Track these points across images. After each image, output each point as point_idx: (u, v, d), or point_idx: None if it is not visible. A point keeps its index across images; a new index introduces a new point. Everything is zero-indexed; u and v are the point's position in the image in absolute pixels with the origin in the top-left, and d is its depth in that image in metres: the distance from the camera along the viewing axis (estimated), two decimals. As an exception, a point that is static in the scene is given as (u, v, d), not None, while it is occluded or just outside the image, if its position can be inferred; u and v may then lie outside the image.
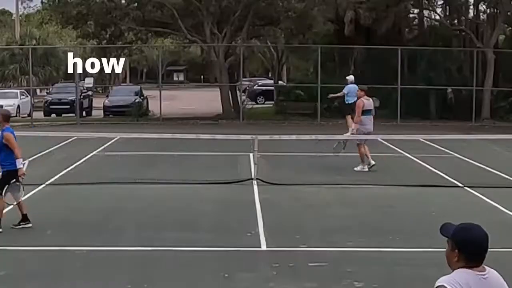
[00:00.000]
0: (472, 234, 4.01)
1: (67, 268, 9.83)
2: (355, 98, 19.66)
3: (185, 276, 9.49)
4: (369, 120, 17.96)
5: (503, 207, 13.93)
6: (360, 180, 16.67)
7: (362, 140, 18.10)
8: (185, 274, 9.58)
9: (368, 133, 18.13)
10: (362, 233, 11.82)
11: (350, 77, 24.00)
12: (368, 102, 17.98)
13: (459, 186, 16.21)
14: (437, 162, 19.59)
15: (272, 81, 51.20)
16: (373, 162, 18.06)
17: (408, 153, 21.29)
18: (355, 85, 22.10)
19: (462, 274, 3.96)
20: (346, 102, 23.18)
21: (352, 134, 18.73)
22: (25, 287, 9.10)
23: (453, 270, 4.04)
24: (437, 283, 3.97)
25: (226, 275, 9.47)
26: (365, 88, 18.45)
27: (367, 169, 17.92)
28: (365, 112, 17.80)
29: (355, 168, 18.04)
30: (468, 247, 3.97)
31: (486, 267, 4.07)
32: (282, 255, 10.51)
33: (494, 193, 15.20)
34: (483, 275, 4.00)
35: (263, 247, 10.96)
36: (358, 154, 18.05)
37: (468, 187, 15.97)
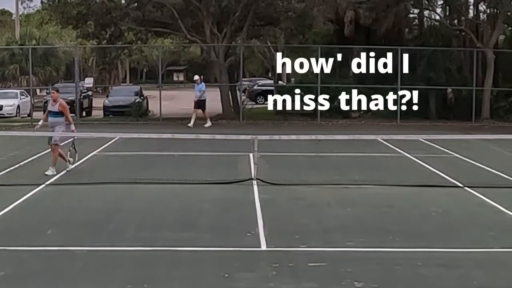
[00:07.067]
0: None
1: (67, 268, 9.82)
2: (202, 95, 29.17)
3: (185, 276, 9.49)
4: None
5: (503, 207, 13.92)
6: (360, 180, 16.67)
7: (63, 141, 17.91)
8: (185, 274, 9.58)
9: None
10: (362, 233, 11.81)
11: (196, 77, 30.02)
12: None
13: (459, 186, 16.20)
14: (437, 162, 19.58)
15: (272, 81, 51.19)
16: (71, 166, 17.82)
17: (408, 153, 21.29)
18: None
19: None
20: (203, 99, 30.12)
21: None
22: (25, 287, 9.10)
23: None
24: None
25: (226, 275, 9.47)
26: (58, 89, 17.91)
27: (55, 172, 17.18)
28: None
29: (46, 172, 17.09)
30: None
31: None
32: (282, 255, 10.50)
33: (494, 193, 15.20)
34: None
35: (263, 247, 10.95)
36: (53, 156, 17.41)
37: (468, 187, 15.96)
